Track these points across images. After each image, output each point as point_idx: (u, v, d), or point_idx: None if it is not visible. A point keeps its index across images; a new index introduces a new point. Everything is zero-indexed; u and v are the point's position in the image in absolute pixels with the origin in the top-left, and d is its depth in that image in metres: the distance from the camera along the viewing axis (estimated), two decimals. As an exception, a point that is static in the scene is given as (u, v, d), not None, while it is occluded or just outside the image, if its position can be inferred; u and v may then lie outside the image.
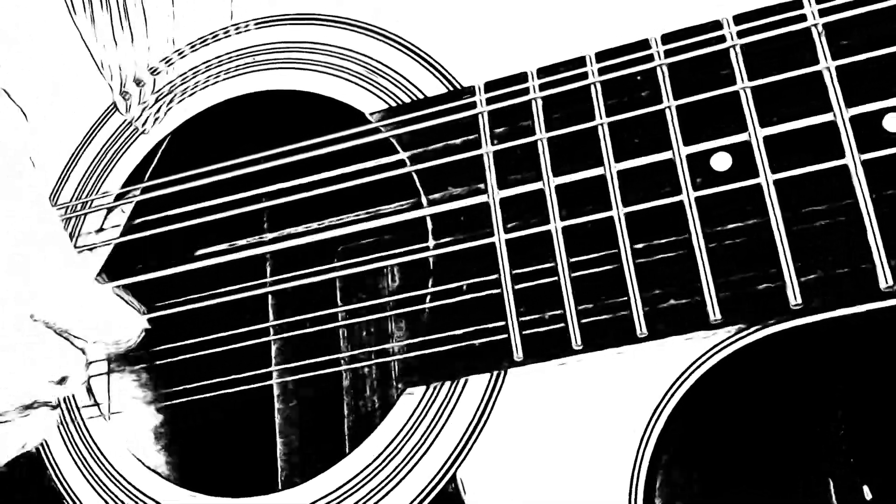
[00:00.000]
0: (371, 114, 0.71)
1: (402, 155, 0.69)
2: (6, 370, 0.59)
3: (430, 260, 0.67)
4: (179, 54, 0.81)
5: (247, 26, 0.79)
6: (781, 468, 0.69)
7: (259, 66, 0.77)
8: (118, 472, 0.74)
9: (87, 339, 0.62)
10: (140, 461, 0.74)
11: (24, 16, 0.90)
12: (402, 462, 0.65)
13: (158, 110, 0.80)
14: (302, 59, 0.76)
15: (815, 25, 0.60)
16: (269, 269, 0.80)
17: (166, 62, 0.81)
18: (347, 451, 0.77)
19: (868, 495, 0.68)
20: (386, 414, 0.66)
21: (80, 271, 0.62)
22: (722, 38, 0.62)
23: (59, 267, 0.61)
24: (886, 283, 0.56)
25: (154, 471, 0.74)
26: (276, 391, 0.81)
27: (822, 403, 0.67)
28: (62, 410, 0.77)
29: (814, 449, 0.69)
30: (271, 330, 0.77)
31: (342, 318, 0.80)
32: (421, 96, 0.70)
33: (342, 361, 0.77)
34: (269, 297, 0.80)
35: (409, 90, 0.71)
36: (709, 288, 0.60)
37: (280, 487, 0.73)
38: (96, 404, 0.77)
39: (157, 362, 0.78)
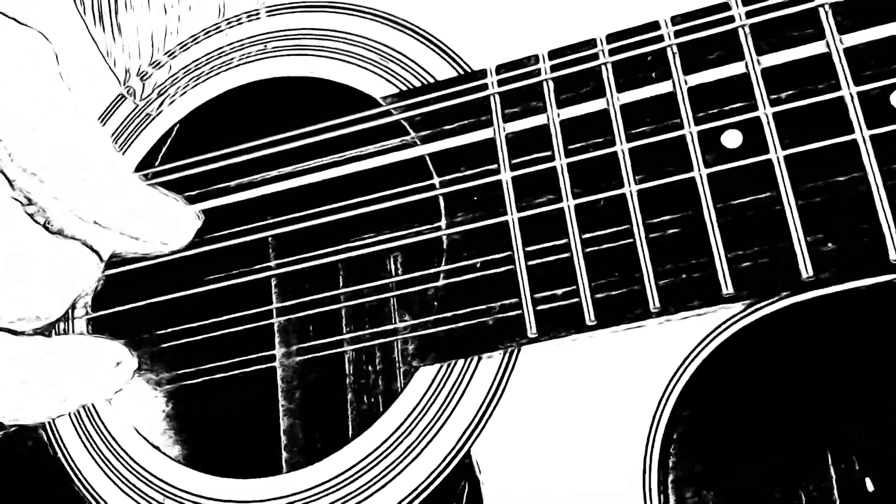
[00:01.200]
0: (383, 98, 0.72)
1: (414, 137, 0.70)
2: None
3: (443, 239, 0.67)
4: (182, 47, 0.82)
5: (250, 16, 0.80)
6: (785, 449, 0.69)
7: (270, 53, 0.78)
8: (126, 452, 0.74)
9: (133, 234, 0.60)
10: (147, 441, 0.74)
11: (28, 8, 0.91)
12: (416, 440, 0.66)
13: (163, 102, 0.81)
14: (313, 45, 0.77)
15: (823, 5, 0.62)
16: (272, 254, 0.80)
17: (169, 55, 0.82)
18: (352, 433, 0.77)
19: (870, 487, 0.69)
20: (391, 395, 0.67)
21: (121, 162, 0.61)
22: (731, 19, 0.64)
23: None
24: (896, 254, 0.57)
25: (160, 450, 0.73)
26: (279, 374, 0.81)
27: (829, 383, 0.68)
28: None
29: (818, 430, 0.69)
30: (274, 312, 0.77)
31: (346, 301, 0.80)
32: (432, 81, 0.71)
33: (346, 342, 0.77)
34: (273, 281, 0.80)
35: (420, 75, 0.72)
36: (721, 262, 0.61)
37: (286, 469, 0.73)
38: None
39: (161, 345, 0.78)
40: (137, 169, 0.80)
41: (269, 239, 0.77)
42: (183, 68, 0.82)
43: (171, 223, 0.63)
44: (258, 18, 0.80)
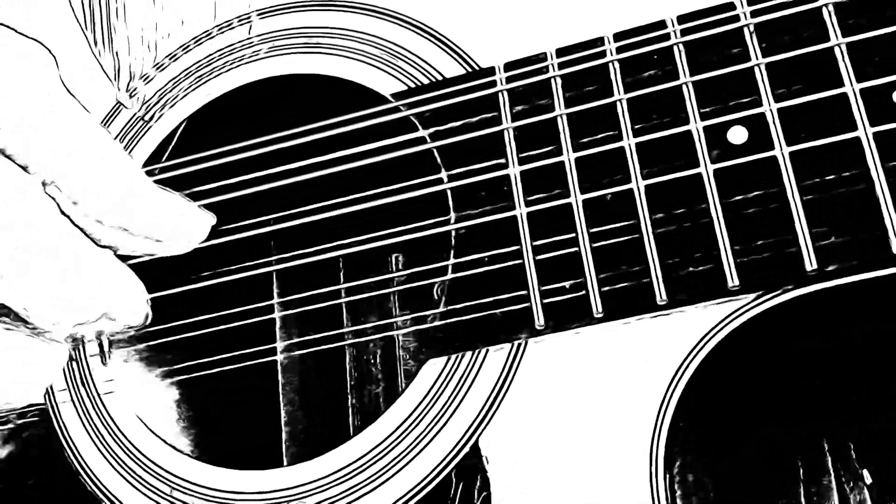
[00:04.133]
0: (391, 95, 0.73)
1: (423, 132, 0.71)
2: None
3: (452, 233, 0.68)
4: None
5: (261, 14, 0.81)
6: (785, 443, 0.70)
7: (278, 52, 0.79)
8: (131, 443, 0.74)
9: (151, 236, 0.60)
10: (152, 432, 0.74)
11: (26, 14, 0.91)
12: (423, 431, 0.66)
13: (162, 106, 0.81)
14: (321, 43, 0.77)
15: (826, 5, 0.63)
16: (274, 248, 0.81)
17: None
18: (354, 426, 0.77)
19: (868, 479, 0.70)
20: (392, 388, 0.67)
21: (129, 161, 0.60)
22: (736, 18, 0.65)
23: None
24: (899, 247, 0.59)
25: (165, 441, 0.74)
26: (280, 368, 0.82)
27: (832, 376, 0.69)
28: (74, 383, 0.77)
29: (820, 421, 0.70)
30: (276, 307, 0.78)
31: (346, 296, 0.81)
32: (440, 78, 0.72)
33: (346, 336, 0.78)
34: (275, 275, 0.81)
35: (429, 73, 0.73)
36: (727, 255, 0.61)
37: (287, 462, 0.73)
38: (101, 353, 0.77)
39: (164, 339, 0.78)
40: (146, 163, 0.80)
41: (274, 234, 0.77)
42: (184, 69, 0.82)
43: (187, 222, 0.63)
44: (250, 22, 0.80)
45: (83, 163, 0.59)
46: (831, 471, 0.70)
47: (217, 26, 0.82)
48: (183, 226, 0.62)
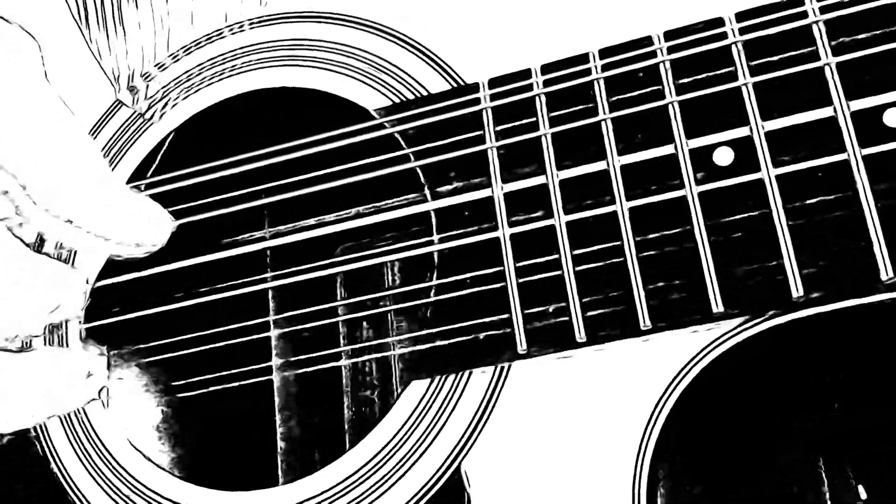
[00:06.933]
0: (375, 110, 0.72)
1: (407, 150, 0.70)
2: None
3: (435, 254, 0.67)
4: (173, 58, 0.82)
5: (251, 24, 0.80)
6: (776, 462, 0.69)
7: (263, 64, 0.78)
8: (119, 464, 0.74)
9: (108, 236, 0.59)
10: (141, 453, 0.74)
11: (23, 14, 0.90)
12: (406, 454, 0.66)
13: (165, 104, 0.81)
14: (306, 56, 0.76)
15: (816, 23, 0.61)
16: (269, 265, 0.80)
17: (160, 66, 0.82)
18: (348, 445, 0.77)
19: (863, 495, 0.69)
20: (386, 408, 0.67)
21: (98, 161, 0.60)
22: (724, 35, 0.63)
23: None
24: (887, 275, 0.57)
25: (154, 462, 0.74)
26: (276, 386, 0.81)
27: (820, 398, 0.68)
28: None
29: (809, 444, 0.70)
30: (271, 324, 0.77)
31: (342, 314, 0.80)
32: (425, 93, 0.71)
33: (343, 355, 0.77)
34: (270, 293, 0.80)
35: (413, 87, 0.72)
36: (711, 280, 0.60)
37: (280, 482, 0.73)
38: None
39: (158, 357, 0.78)
40: (130, 180, 0.80)
41: (266, 250, 0.77)
42: (175, 78, 0.81)
43: (154, 223, 0.62)
44: (242, 31, 0.80)
45: (46, 155, 0.58)
46: (826, 485, 0.69)
47: (206, 35, 0.81)
48: (146, 227, 0.61)
